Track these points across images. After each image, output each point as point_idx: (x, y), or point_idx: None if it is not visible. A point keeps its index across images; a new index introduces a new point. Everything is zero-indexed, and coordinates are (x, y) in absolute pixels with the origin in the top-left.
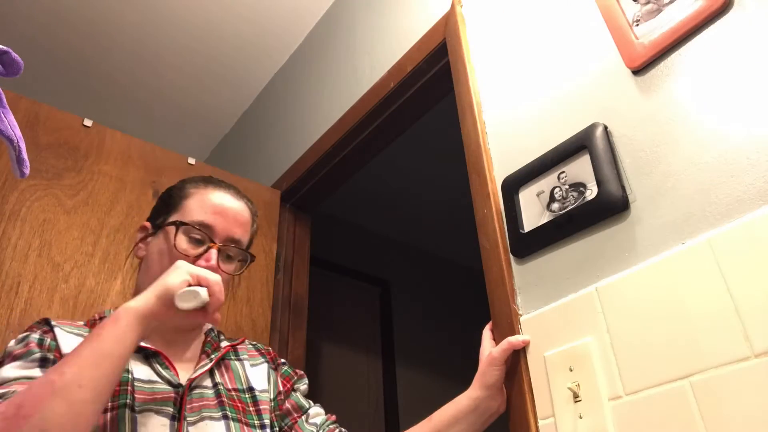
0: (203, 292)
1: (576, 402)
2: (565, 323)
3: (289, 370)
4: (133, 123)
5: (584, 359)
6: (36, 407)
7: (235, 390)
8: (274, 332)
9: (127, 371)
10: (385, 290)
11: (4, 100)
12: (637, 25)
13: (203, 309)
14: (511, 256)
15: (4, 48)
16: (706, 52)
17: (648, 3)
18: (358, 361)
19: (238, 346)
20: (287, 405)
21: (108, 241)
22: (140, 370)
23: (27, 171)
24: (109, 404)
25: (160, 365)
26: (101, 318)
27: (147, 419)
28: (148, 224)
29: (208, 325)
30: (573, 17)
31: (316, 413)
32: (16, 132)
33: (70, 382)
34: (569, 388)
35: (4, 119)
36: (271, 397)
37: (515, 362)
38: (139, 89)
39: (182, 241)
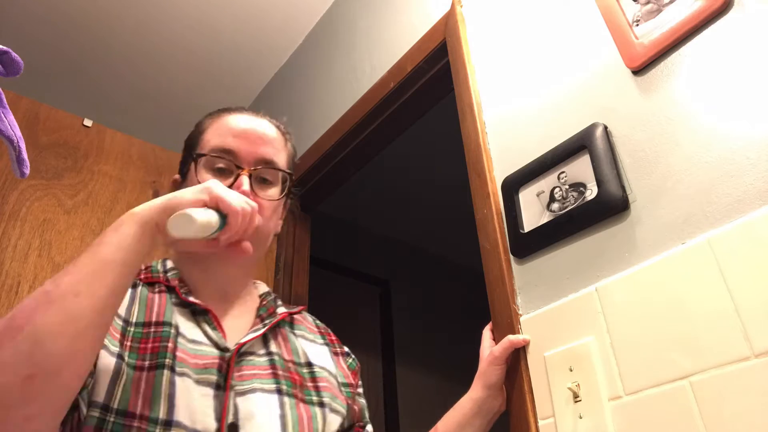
0: (202, 217)
1: (576, 402)
2: (565, 323)
3: (354, 364)
4: (133, 123)
5: (584, 359)
6: (28, 318)
7: (293, 362)
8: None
9: (171, 325)
10: (385, 290)
11: (4, 100)
12: (637, 25)
13: (215, 241)
14: (511, 256)
15: (4, 48)
16: (706, 52)
17: (648, 3)
18: (359, 361)
19: (296, 316)
20: (355, 407)
21: None
22: (186, 327)
23: (27, 171)
24: (147, 362)
25: (209, 324)
26: (147, 268)
27: (187, 384)
28: (177, 177)
29: (264, 288)
30: (573, 17)
31: None
32: (16, 132)
33: (66, 291)
34: (569, 388)
35: (4, 119)
36: (340, 381)
37: (515, 362)
38: (139, 89)
39: (206, 175)
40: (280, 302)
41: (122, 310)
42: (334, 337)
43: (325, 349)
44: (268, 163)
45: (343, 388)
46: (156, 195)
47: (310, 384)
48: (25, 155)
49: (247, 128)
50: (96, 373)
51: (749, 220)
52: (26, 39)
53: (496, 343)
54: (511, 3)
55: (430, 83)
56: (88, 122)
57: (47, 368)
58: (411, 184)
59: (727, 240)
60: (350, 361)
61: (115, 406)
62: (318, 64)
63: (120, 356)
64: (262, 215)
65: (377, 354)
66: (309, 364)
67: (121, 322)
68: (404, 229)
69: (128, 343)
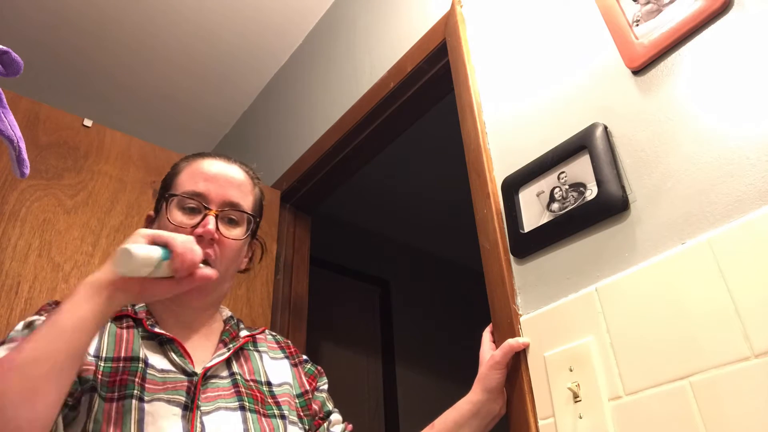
0: (141, 249)
1: (576, 402)
2: (565, 323)
3: (312, 369)
4: (133, 123)
5: (584, 359)
6: None
7: (254, 381)
8: (269, 328)
9: (139, 360)
10: (385, 290)
11: (4, 100)
12: (637, 25)
13: (171, 280)
14: (511, 256)
15: (4, 48)
16: (706, 52)
17: (648, 3)
18: (358, 361)
19: (257, 336)
20: (314, 406)
21: (108, 241)
22: (154, 359)
23: (27, 171)
24: (116, 393)
25: (175, 352)
26: None
27: (157, 408)
28: (151, 213)
29: (227, 313)
30: (573, 17)
31: (336, 421)
32: (16, 132)
33: (26, 358)
34: (569, 388)
35: (4, 119)
36: (295, 393)
37: (515, 362)
38: (139, 89)
39: (176, 214)
40: (242, 325)
41: (92, 348)
42: (293, 349)
43: (285, 362)
44: (234, 206)
45: (297, 400)
46: (156, 195)
47: (270, 400)
48: (25, 155)
49: (217, 173)
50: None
51: (749, 220)
52: (26, 40)
53: (496, 345)
54: (511, 3)
55: (430, 83)
56: (88, 122)
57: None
58: (411, 184)
59: (727, 240)
60: (308, 367)
61: None
62: (318, 64)
63: (93, 388)
64: (225, 254)
65: (377, 354)
66: (269, 383)
67: (92, 359)
68: (404, 229)
69: (99, 377)
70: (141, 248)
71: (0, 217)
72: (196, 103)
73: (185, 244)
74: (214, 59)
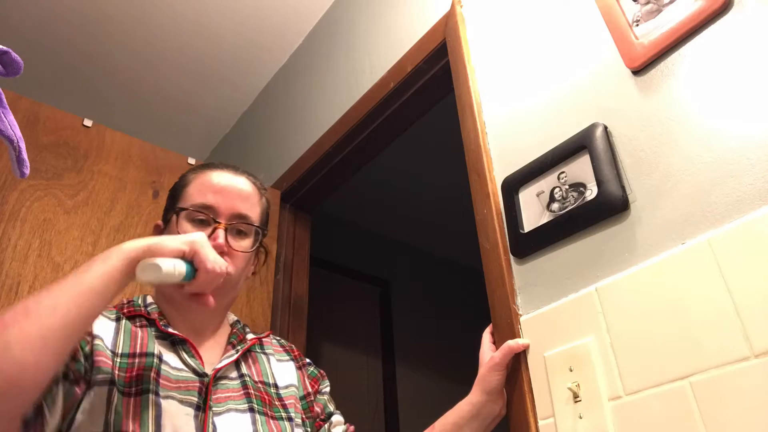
0: (168, 267)
1: (576, 402)
2: (565, 323)
3: (315, 371)
4: (133, 123)
5: (584, 359)
6: (6, 325)
7: (262, 383)
8: (273, 333)
9: (153, 356)
10: (385, 290)
11: (4, 100)
12: (637, 25)
13: (181, 286)
14: (511, 256)
15: (4, 48)
16: (706, 52)
17: (648, 3)
18: (358, 361)
19: (264, 339)
20: (316, 408)
21: (108, 241)
22: (168, 357)
23: (27, 171)
24: (133, 388)
25: (187, 353)
26: (129, 302)
27: (171, 406)
28: (160, 223)
29: (234, 317)
30: (573, 17)
31: (338, 422)
32: (16, 132)
33: (45, 307)
34: (569, 388)
35: (4, 119)
36: (300, 395)
37: (515, 363)
38: (139, 89)
39: (187, 226)
40: (248, 329)
41: (109, 343)
42: (297, 352)
43: (291, 364)
44: (243, 218)
45: (301, 402)
46: (156, 195)
47: (277, 402)
48: (25, 155)
49: (226, 185)
50: (92, 405)
51: (749, 220)
52: (27, 40)
53: (496, 345)
54: (511, 3)
55: (430, 83)
56: (88, 122)
57: (9, 373)
58: (411, 184)
59: (727, 240)
60: (311, 369)
61: (111, 430)
62: (318, 64)
63: (112, 382)
64: (235, 264)
65: (377, 354)
66: (276, 385)
67: (109, 353)
68: (404, 229)
69: (116, 372)
70: (168, 264)
71: (0, 217)
72: (196, 103)
73: (213, 278)
74: (214, 59)
